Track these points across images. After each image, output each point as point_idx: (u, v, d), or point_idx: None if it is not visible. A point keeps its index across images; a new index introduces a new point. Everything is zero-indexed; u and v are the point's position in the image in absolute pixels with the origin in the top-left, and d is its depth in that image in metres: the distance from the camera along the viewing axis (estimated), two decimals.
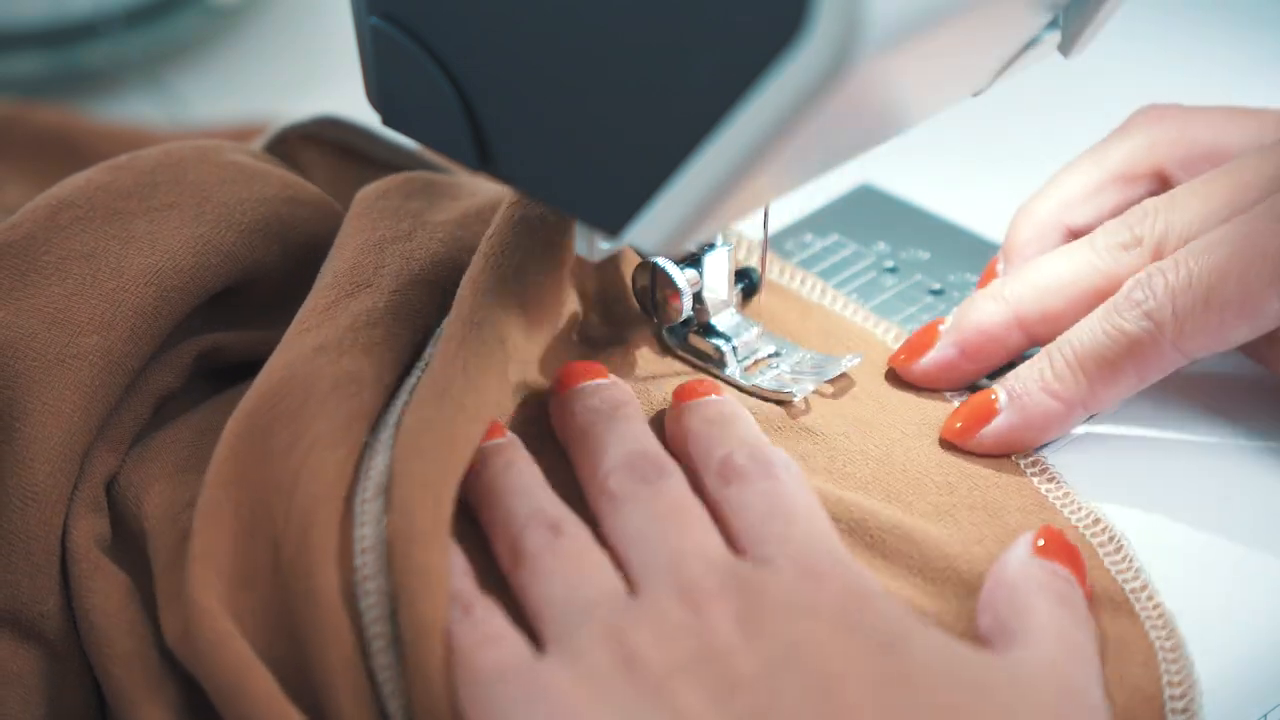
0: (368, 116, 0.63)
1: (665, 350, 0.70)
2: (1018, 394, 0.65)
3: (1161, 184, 0.69)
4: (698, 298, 0.69)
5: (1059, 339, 0.65)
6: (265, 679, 0.56)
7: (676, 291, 0.68)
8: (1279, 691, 0.62)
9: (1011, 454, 0.66)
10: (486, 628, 0.57)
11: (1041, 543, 0.60)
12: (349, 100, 0.71)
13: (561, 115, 0.57)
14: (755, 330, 0.70)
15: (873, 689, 0.54)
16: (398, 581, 0.57)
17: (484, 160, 0.59)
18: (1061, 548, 0.60)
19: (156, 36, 1.00)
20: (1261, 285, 0.62)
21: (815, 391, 0.68)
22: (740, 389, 0.68)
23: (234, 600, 0.58)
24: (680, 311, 0.68)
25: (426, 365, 0.62)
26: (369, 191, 0.69)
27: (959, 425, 0.66)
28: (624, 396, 0.64)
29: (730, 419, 0.64)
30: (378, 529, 0.58)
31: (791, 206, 0.79)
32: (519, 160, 0.59)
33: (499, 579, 0.60)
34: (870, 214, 0.79)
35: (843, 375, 0.69)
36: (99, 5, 0.98)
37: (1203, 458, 0.67)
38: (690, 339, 0.69)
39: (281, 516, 0.58)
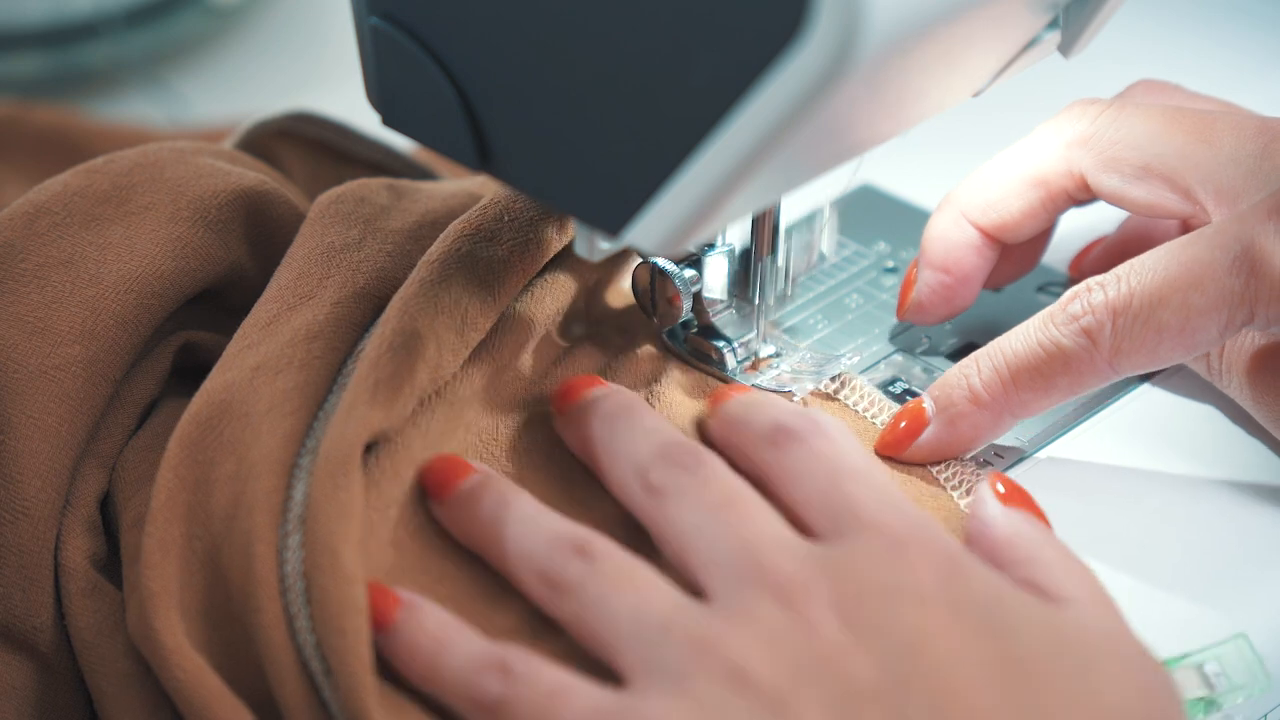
0: (368, 116, 0.63)
1: (664, 350, 0.70)
2: (944, 406, 0.65)
3: (1082, 188, 0.68)
4: (697, 299, 0.68)
5: (990, 345, 0.64)
6: (239, 711, 0.56)
7: (676, 292, 0.68)
8: (1278, 692, 0.61)
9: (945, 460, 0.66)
10: (543, 682, 0.55)
11: (1002, 488, 0.60)
12: (349, 100, 0.71)
13: (561, 115, 0.57)
14: (755, 330, 0.70)
15: (985, 681, 0.53)
16: (316, 616, 0.56)
17: (484, 160, 0.59)
18: (1019, 493, 0.60)
19: (156, 36, 1.00)
20: (1200, 312, 0.61)
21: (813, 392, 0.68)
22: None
23: (198, 634, 0.58)
24: (680, 312, 0.68)
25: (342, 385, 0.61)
26: (325, 196, 0.68)
27: (890, 438, 0.66)
28: (633, 397, 0.63)
29: (767, 399, 0.62)
30: (297, 565, 0.57)
31: (791, 206, 0.79)
32: (519, 160, 0.59)
33: (504, 627, 0.58)
34: (870, 214, 0.79)
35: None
36: (99, 5, 0.98)
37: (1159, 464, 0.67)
38: (690, 339, 0.69)
39: (227, 549, 0.58)
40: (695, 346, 0.69)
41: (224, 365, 0.62)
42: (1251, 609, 0.62)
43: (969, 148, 0.84)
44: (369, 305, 0.63)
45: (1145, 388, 0.70)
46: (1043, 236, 0.72)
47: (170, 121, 0.97)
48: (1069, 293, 0.63)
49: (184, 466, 0.59)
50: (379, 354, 0.60)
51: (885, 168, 0.80)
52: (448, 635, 0.56)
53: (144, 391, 0.65)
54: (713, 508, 0.57)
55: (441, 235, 0.64)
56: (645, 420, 0.61)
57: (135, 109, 0.99)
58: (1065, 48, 0.64)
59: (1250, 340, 0.65)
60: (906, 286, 0.70)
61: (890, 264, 0.76)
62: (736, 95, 0.52)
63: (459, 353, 0.62)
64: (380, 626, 0.57)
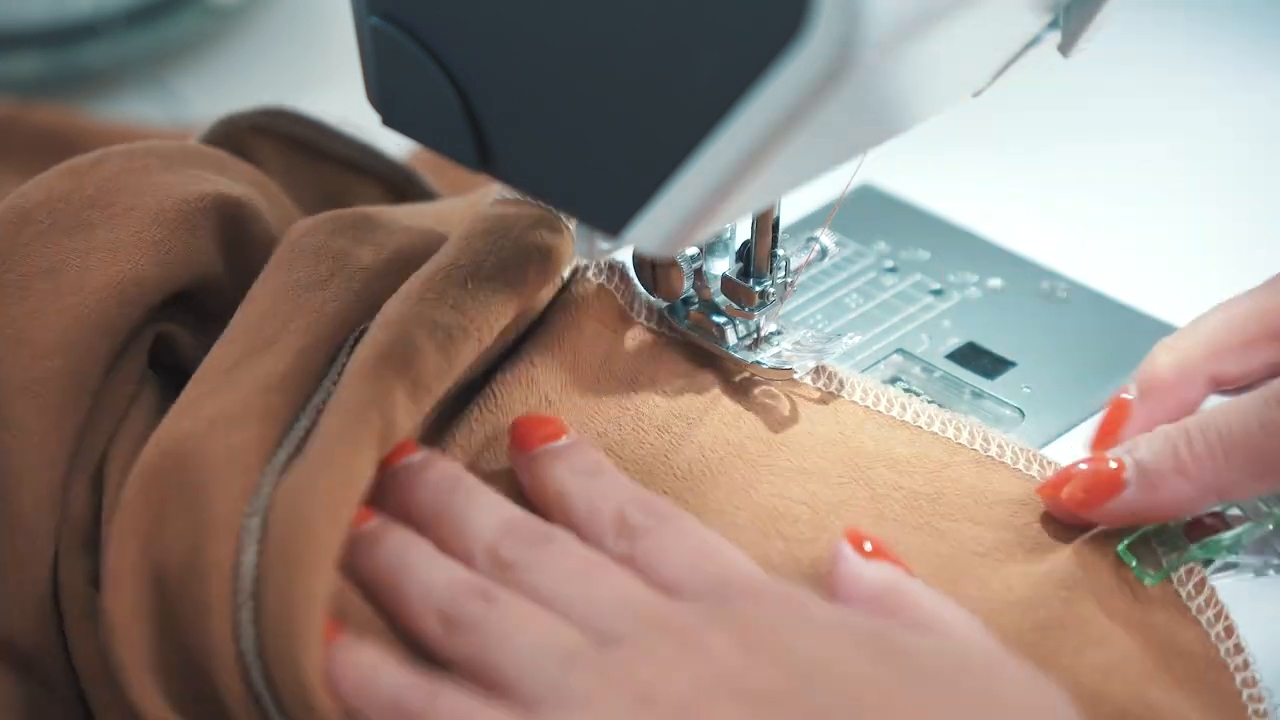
0: (368, 116, 0.63)
1: (663, 324, 0.69)
2: (1149, 471, 0.61)
3: None
4: (699, 275, 0.68)
5: (1201, 418, 0.61)
6: None
7: (678, 269, 0.67)
8: (1278, 692, 0.61)
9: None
10: (457, 705, 0.55)
11: (869, 546, 0.59)
12: (349, 100, 0.71)
13: (562, 115, 0.57)
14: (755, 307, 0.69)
15: (909, 698, 0.53)
16: (281, 701, 0.56)
17: (484, 160, 0.59)
18: (881, 547, 0.59)
19: (156, 36, 1.00)
20: None
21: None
22: (741, 365, 0.68)
23: (176, 691, 0.57)
24: (681, 289, 0.68)
25: (298, 444, 0.60)
26: (296, 228, 0.67)
27: (1082, 494, 0.62)
28: (458, 470, 0.62)
29: (600, 469, 0.62)
30: (251, 641, 0.56)
31: (792, 206, 0.79)
32: (519, 160, 0.59)
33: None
34: (870, 214, 0.79)
35: None
36: (99, 5, 0.98)
37: None
38: (691, 316, 0.69)
39: (184, 613, 0.57)
40: (696, 323, 0.69)
41: (180, 411, 0.60)
42: (1252, 613, 0.62)
43: (969, 148, 0.85)
44: (331, 351, 0.63)
45: None
46: None
47: (170, 121, 0.97)
48: None
49: (139, 521, 0.58)
50: (340, 425, 0.59)
51: (885, 168, 0.80)
52: (382, 662, 0.56)
53: (123, 395, 0.64)
54: (574, 573, 0.57)
55: (403, 292, 0.63)
56: (478, 496, 0.60)
57: (135, 109, 0.99)
58: (1065, 48, 0.64)
59: None
60: (1117, 419, 0.64)
61: (890, 264, 0.76)
62: (737, 95, 0.52)
63: (412, 417, 0.61)
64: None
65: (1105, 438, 0.64)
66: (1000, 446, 0.66)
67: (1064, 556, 0.62)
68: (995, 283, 0.75)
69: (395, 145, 0.78)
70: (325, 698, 0.55)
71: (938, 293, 0.75)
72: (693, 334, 0.69)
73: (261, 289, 0.65)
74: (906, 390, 0.69)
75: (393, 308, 0.62)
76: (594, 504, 0.60)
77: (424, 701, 0.55)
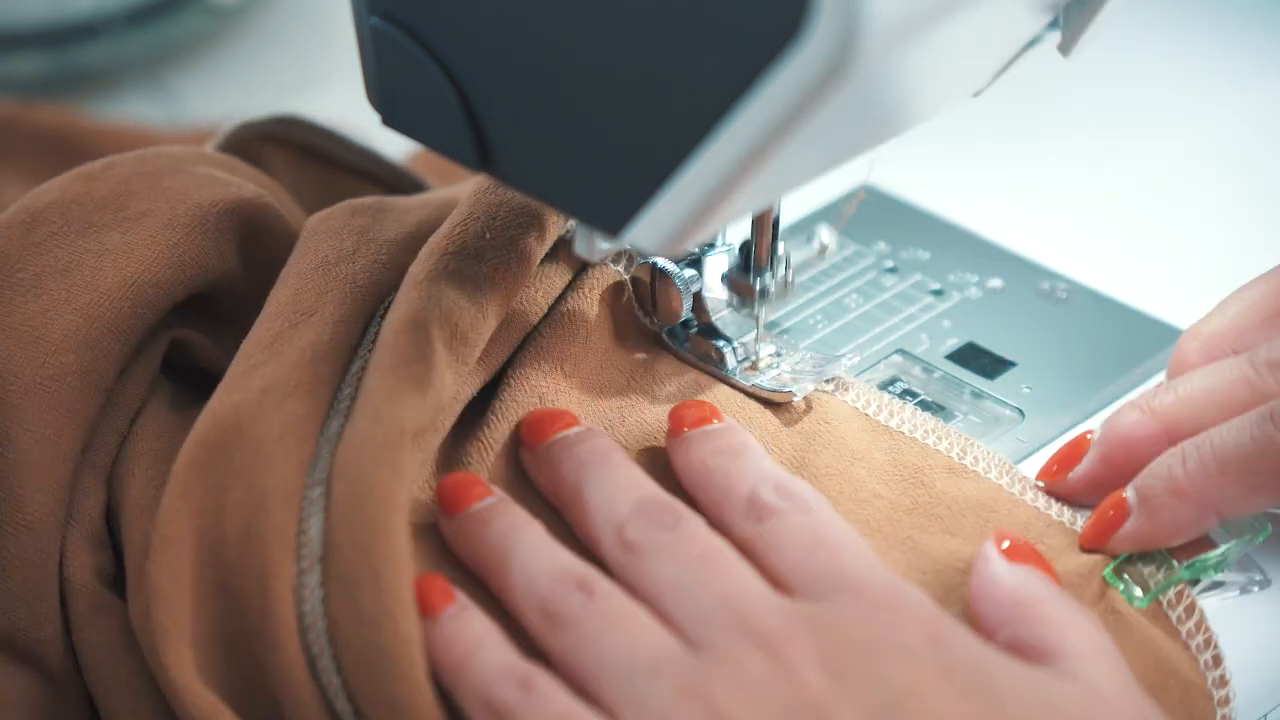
0: (368, 116, 0.63)
1: (663, 348, 0.70)
2: (1146, 496, 0.61)
3: None
4: (697, 298, 0.68)
5: (1199, 436, 0.61)
6: None
7: (677, 292, 0.68)
8: (1278, 692, 0.61)
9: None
10: (555, 703, 0.55)
11: (1007, 544, 0.59)
12: (349, 100, 0.71)
13: (562, 115, 0.57)
14: (755, 330, 0.70)
15: None
16: (347, 668, 0.56)
17: (484, 160, 0.59)
18: (1025, 547, 0.59)
19: (156, 36, 1.00)
20: None
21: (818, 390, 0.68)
22: (740, 389, 0.68)
23: (212, 666, 0.58)
24: (680, 312, 0.68)
25: (346, 412, 0.61)
26: (316, 216, 0.67)
27: (1090, 530, 0.62)
28: (608, 444, 0.62)
29: (743, 450, 0.62)
30: (316, 604, 0.57)
31: (791, 206, 0.79)
32: (519, 161, 0.59)
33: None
34: (870, 214, 0.79)
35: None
36: (99, 5, 0.98)
37: None
38: (690, 339, 0.69)
39: (240, 580, 0.57)
40: (695, 346, 0.69)
41: (229, 386, 0.61)
42: (1233, 626, 0.62)
43: (969, 148, 0.85)
44: (364, 323, 0.63)
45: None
46: None
47: (170, 121, 0.97)
48: None
49: (192, 493, 0.58)
50: (382, 382, 0.59)
51: (885, 168, 0.80)
52: (488, 639, 0.57)
53: (135, 395, 0.65)
54: (692, 564, 0.57)
55: (425, 252, 0.64)
56: (620, 472, 0.61)
57: (135, 109, 0.99)
58: (1065, 48, 0.64)
59: None
60: (1070, 458, 0.65)
61: (890, 264, 0.76)
62: (737, 95, 0.52)
63: (454, 369, 0.62)
64: (427, 613, 0.57)
65: (1050, 473, 0.64)
66: (975, 456, 0.65)
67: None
68: (995, 283, 0.75)
69: (396, 146, 0.78)
70: (413, 664, 0.55)
71: (938, 293, 0.75)
72: (692, 357, 0.69)
73: (291, 270, 0.65)
74: (906, 391, 0.69)
75: (419, 267, 0.63)
76: (731, 483, 0.61)
77: (515, 693, 0.55)
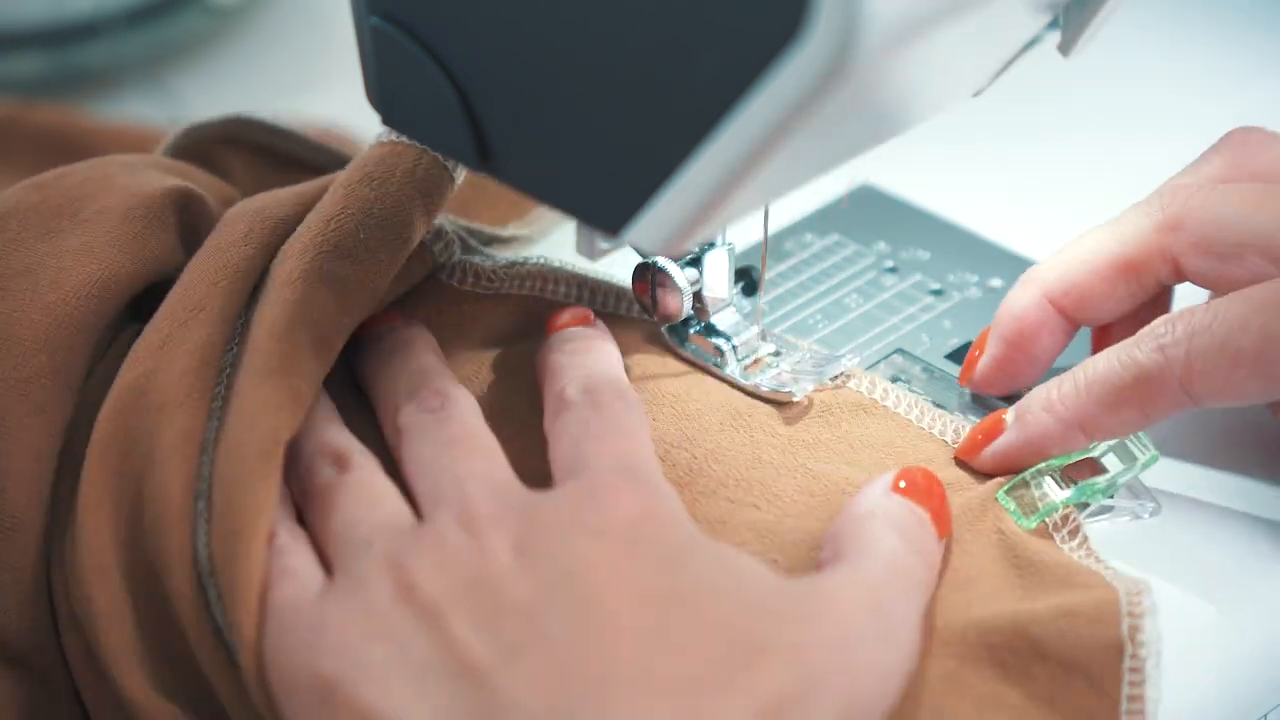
0: (368, 116, 0.63)
1: (665, 349, 0.70)
2: (1021, 411, 0.64)
3: (1174, 272, 0.66)
4: (698, 297, 0.69)
5: (1081, 364, 0.63)
6: None
7: (677, 291, 0.68)
8: (1278, 692, 0.62)
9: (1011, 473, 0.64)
10: (281, 561, 0.57)
11: (903, 484, 0.60)
12: (349, 100, 0.71)
13: (562, 115, 0.57)
14: (755, 329, 0.70)
15: (639, 606, 0.54)
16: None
17: (484, 160, 0.59)
18: (922, 488, 0.60)
19: (156, 36, 1.00)
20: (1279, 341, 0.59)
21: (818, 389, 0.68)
22: (740, 388, 0.68)
23: (164, 683, 0.59)
24: (680, 311, 0.68)
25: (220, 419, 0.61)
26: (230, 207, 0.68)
27: (967, 443, 0.65)
28: (411, 334, 0.65)
29: (585, 351, 0.64)
30: (222, 616, 0.58)
31: (791, 206, 0.79)
32: (519, 160, 0.59)
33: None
34: (870, 214, 0.79)
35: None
36: (99, 5, 0.98)
37: (1195, 465, 0.67)
38: (690, 338, 0.69)
39: (166, 601, 0.59)
40: (695, 345, 0.69)
41: (121, 394, 0.61)
42: (1233, 626, 0.62)
43: (969, 148, 0.85)
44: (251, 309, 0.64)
45: None
46: (1127, 317, 0.68)
47: (170, 121, 0.97)
48: (1163, 316, 0.62)
49: (108, 515, 0.60)
50: (256, 391, 0.60)
51: (885, 168, 0.80)
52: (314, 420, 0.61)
53: (103, 394, 0.64)
54: (442, 445, 0.60)
55: (297, 247, 0.64)
56: (412, 360, 0.64)
57: (135, 109, 0.99)
58: (1065, 48, 0.64)
59: None
60: (974, 353, 0.69)
61: (890, 264, 0.76)
62: (736, 95, 0.52)
63: (317, 373, 0.62)
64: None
65: (970, 449, 0.65)
66: (885, 390, 0.67)
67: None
68: (995, 283, 0.76)
69: (338, 149, 0.78)
70: (249, 669, 0.56)
71: (938, 293, 0.75)
72: (692, 356, 0.69)
73: (193, 260, 0.66)
74: (906, 391, 0.69)
75: (292, 264, 0.63)
76: (554, 379, 0.63)
77: (270, 550, 0.58)
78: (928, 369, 0.71)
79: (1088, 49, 0.64)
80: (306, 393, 0.61)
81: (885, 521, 0.59)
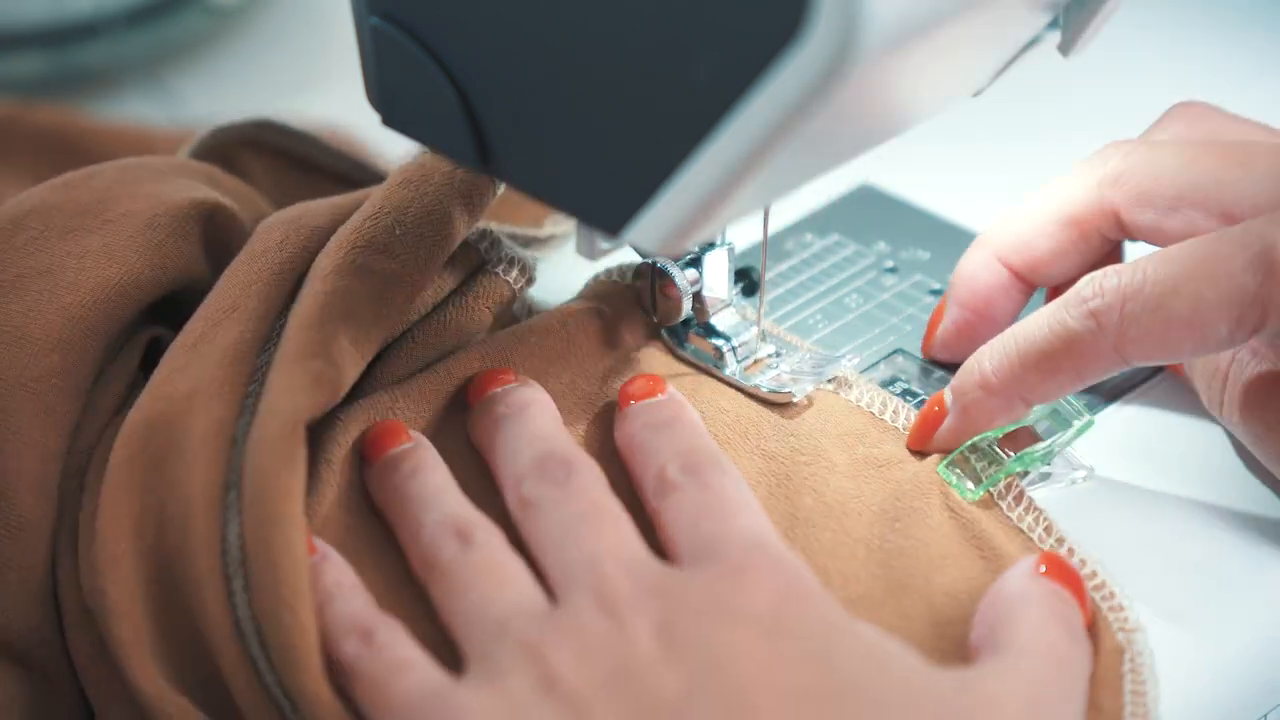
0: (368, 116, 0.63)
1: (665, 350, 0.70)
2: (959, 394, 0.65)
3: (1116, 226, 0.67)
4: (697, 297, 0.69)
5: (1007, 331, 0.64)
6: None
7: (676, 291, 0.68)
8: (1278, 692, 0.62)
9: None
10: (392, 654, 0.56)
11: (1044, 567, 0.59)
12: (349, 100, 0.71)
13: (562, 115, 0.57)
14: (755, 330, 0.70)
15: (787, 703, 0.53)
16: (275, 666, 0.56)
17: (484, 160, 0.59)
18: (1063, 571, 0.59)
19: (156, 36, 1.00)
20: (1211, 305, 0.59)
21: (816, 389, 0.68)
22: (740, 389, 0.68)
23: (176, 671, 0.58)
24: (680, 311, 0.68)
25: (253, 413, 0.61)
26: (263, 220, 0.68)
27: (913, 434, 0.66)
28: (529, 397, 0.64)
29: (671, 423, 0.63)
30: (245, 609, 0.57)
31: (791, 206, 0.79)
32: (519, 160, 0.59)
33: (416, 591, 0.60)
34: (870, 214, 0.79)
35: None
36: (99, 5, 0.98)
37: (1188, 464, 0.67)
38: (690, 338, 0.69)
39: (184, 593, 0.59)
40: (695, 346, 0.69)
41: (154, 391, 0.61)
42: (1232, 626, 0.62)
43: (969, 148, 0.85)
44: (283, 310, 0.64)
45: (1122, 403, 0.70)
46: (1079, 276, 0.69)
47: (170, 121, 0.97)
48: (1086, 277, 0.62)
49: (132, 506, 0.59)
50: (279, 377, 0.60)
51: (885, 168, 0.80)
52: (337, 590, 0.58)
53: (114, 395, 0.65)
54: (571, 520, 0.59)
55: (333, 244, 0.64)
56: (531, 426, 0.62)
57: (135, 109, 0.99)
58: (1065, 48, 0.64)
59: (1253, 372, 0.64)
60: (934, 321, 0.70)
61: (890, 264, 0.76)
62: (736, 95, 0.52)
63: (356, 364, 0.62)
64: None
65: (919, 439, 0.66)
66: (862, 391, 0.68)
67: (889, 487, 0.64)
68: None
69: (396, 146, 0.78)
70: (309, 653, 0.56)
71: (938, 293, 0.75)
72: (692, 356, 0.69)
73: (228, 268, 0.65)
74: (906, 391, 0.69)
75: (326, 260, 0.63)
76: (649, 458, 0.62)
77: (355, 646, 0.56)
78: (927, 369, 0.71)
79: (1088, 49, 0.64)
80: (334, 378, 0.60)
81: (1043, 607, 0.58)
